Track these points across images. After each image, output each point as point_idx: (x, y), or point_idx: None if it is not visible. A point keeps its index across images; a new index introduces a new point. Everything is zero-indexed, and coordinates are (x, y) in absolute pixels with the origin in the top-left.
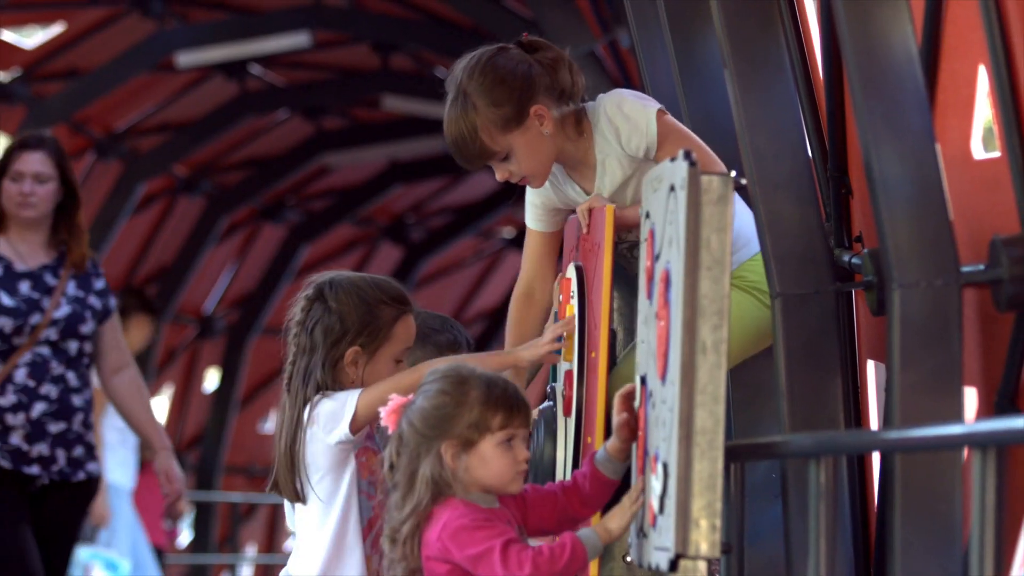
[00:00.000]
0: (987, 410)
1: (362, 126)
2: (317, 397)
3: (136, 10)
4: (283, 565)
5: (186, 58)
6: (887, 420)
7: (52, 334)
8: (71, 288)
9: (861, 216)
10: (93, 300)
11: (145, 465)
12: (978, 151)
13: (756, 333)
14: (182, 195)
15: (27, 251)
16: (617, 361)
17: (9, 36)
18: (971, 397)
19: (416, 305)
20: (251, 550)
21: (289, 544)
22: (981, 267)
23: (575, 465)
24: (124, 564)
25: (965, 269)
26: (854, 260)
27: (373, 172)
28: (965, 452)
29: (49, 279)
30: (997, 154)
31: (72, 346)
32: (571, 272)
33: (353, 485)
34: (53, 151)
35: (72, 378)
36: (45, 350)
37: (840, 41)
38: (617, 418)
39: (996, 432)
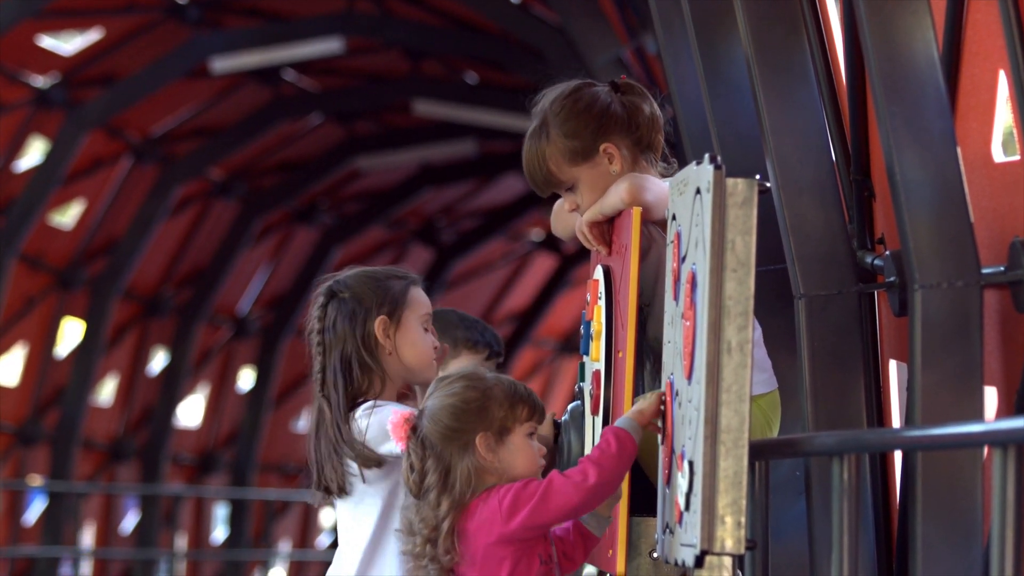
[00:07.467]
0: (1007, 409)
1: (393, 130)
2: (360, 411)
3: (172, 17)
4: (316, 561)
5: (221, 64)
6: (909, 418)
7: None
8: None
9: (883, 218)
10: None
11: None
12: (998, 154)
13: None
14: (217, 198)
15: None
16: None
17: (48, 42)
18: (991, 396)
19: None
20: (285, 546)
21: (325, 542)
22: (1001, 268)
23: None
24: None
25: (985, 270)
26: (876, 262)
27: (404, 175)
28: (985, 450)
29: None
30: (1017, 157)
31: None
32: (598, 274)
33: (396, 494)
34: None
35: None
36: None
37: (863, 47)
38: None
39: (1016, 430)
